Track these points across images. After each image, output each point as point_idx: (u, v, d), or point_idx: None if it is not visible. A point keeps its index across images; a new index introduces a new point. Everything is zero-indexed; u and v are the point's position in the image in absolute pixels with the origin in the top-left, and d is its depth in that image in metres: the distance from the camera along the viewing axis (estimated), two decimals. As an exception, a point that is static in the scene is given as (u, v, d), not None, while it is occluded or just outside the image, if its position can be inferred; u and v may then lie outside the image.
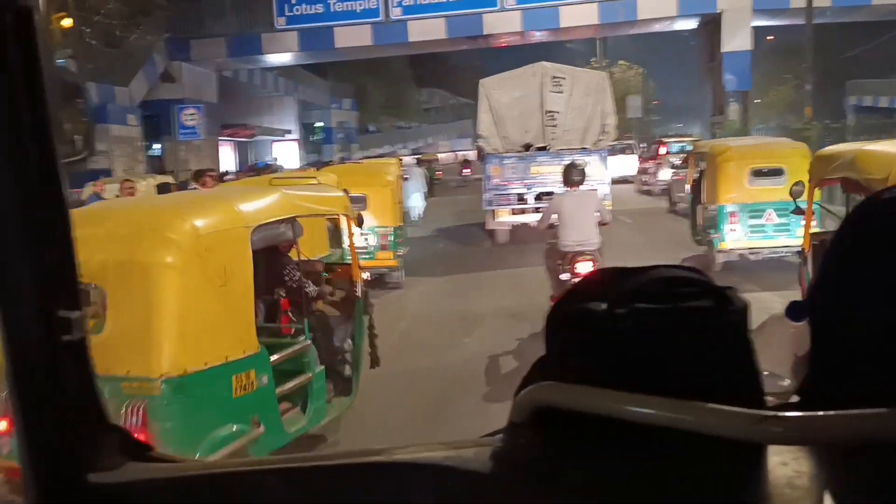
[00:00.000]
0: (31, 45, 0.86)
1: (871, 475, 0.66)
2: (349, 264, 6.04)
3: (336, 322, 5.64)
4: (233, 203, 4.53)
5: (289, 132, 41.36)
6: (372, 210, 9.56)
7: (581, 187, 7.77)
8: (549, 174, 10.90)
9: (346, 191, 8.78)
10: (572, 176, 7.70)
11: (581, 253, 7.18)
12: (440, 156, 56.15)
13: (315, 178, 6.82)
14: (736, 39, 27.75)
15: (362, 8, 29.34)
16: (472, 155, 34.00)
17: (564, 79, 14.74)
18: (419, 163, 35.17)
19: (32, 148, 0.88)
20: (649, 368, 0.71)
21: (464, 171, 35.37)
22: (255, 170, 27.92)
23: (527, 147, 14.59)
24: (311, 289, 5.34)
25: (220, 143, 36.02)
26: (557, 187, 9.08)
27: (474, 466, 0.78)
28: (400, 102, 65.03)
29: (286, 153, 42.35)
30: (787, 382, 0.81)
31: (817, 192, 6.32)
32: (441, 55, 59.57)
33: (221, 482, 0.93)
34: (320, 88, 52.33)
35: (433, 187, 28.96)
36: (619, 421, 0.68)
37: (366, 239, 10.10)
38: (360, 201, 8.90)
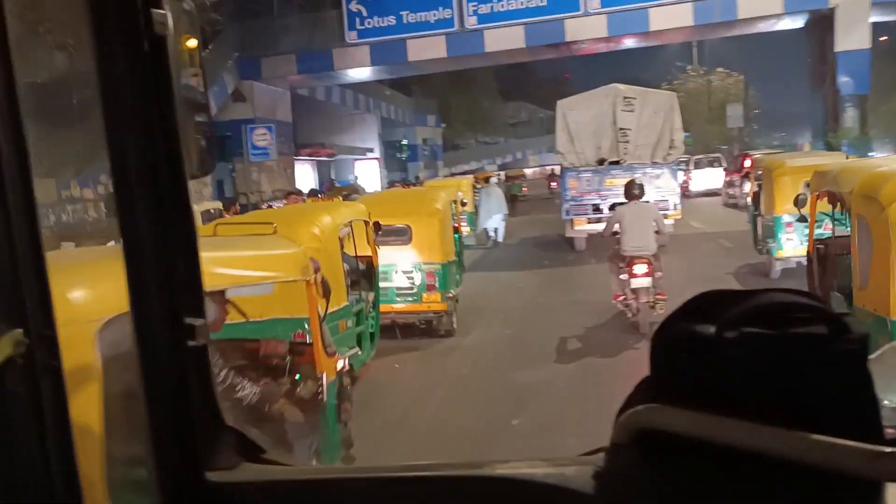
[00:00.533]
0: (164, 68, 0.97)
1: None
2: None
3: (296, 434, 3.86)
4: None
5: (370, 150, 40.44)
6: (416, 244, 8.80)
7: (640, 200, 8.88)
8: (621, 186, 10.72)
9: (378, 223, 7.99)
10: (632, 190, 8.90)
11: (638, 257, 8.32)
12: (527, 171, 54.30)
13: (272, 225, 4.86)
14: (852, 37, 24.77)
15: (436, 19, 27.88)
16: (559, 169, 34.16)
17: (635, 99, 15.68)
18: (506, 179, 33.38)
19: (165, 165, 0.97)
20: (758, 395, 0.70)
21: (551, 184, 33.15)
22: (335, 189, 27.01)
23: (601, 162, 15.61)
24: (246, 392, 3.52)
25: (298, 162, 35.34)
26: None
27: (575, 485, 0.80)
28: (485, 117, 63.55)
29: (367, 172, 41.38)
30: None
31: (825, 202, 6.45)
32: (527, 67, 57.85)
33: (328, 487, 1.00)
34: (404, 105, 51.44)
35: (516, 205, 26.97)
36: (723, 448, 0.68)
37: (410, 278, 8.89)
38: (402, 233, 8.73)
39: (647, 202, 9.78)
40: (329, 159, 38.58)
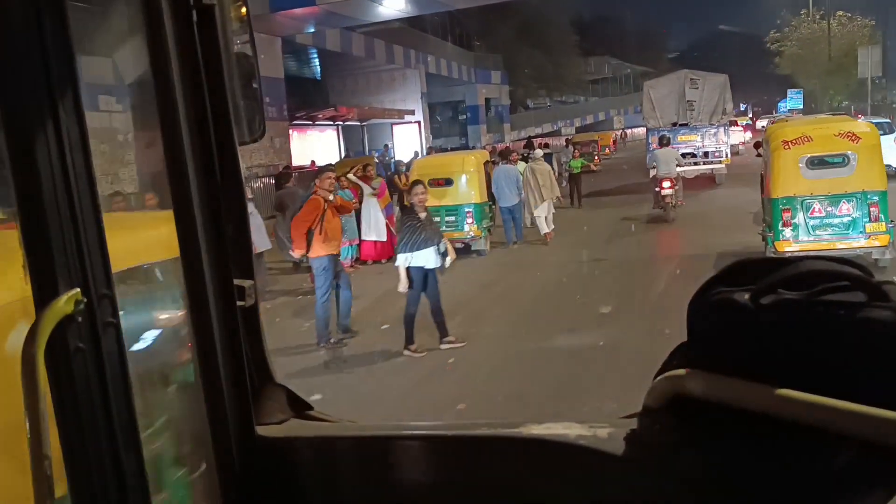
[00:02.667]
0: (212, 35, 1.00)
1: None
2: None
3: None
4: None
5: (411, 113, 33.98)
6: (457, 191, 12.95)
7: (667, 147, 16.48)
8: (689, 140, 20.64)
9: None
10: (662, 141, 16.78)
11: (665, 178, 15.05)
12: (613, 133, 46.34)
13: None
14: None
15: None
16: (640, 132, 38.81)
17: (699, 80, 21.95)
18: (567, 145, 26.03)
19: (215, 131, 1.00)
20: (793, 362, 0.69)
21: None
22: (325, 168, 20.58)
23: (674, 124, 21.71)
24: None
25: (317, 128, 29.29)
26: (694, 148, 20.86)
27: (609, 447, 0.81)
28: (561, 73, 55.89)
29: (408, 137, 34.93)
30: None
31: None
32: (612, 18, 50.30)
33: (371, 442, 1.04)
34: (459, 59, 44.52)
35: (579, 184, 19.22)
36: (757, 414, 0.67)
37: (455, 217, 13.00)
38: (448, 183, 12.78)
39: (673, 148, 17.60)
40: (358, 123, 32.30)
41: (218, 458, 1.05)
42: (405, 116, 33.91)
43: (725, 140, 21.29)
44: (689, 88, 21.66)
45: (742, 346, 0.73)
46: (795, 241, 8.67)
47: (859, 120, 13.62)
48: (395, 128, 34.83)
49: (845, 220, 8.49)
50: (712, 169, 21.09)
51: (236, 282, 1.03)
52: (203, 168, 1.00)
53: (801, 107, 66.36)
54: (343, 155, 29.39)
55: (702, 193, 18.98)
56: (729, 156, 21.32)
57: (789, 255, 8.28)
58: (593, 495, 0.84)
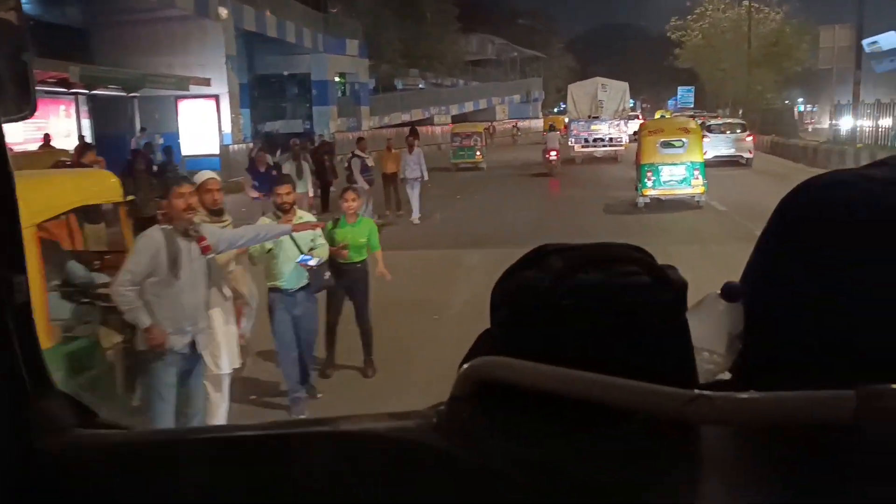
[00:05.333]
0: None
1: (794, 456, 0.69)
2: None
3: None
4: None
5: (206, 82, 23.86)
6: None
7: (554, 132, 26.55)
8: (598, 130, 28.97)
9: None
10: (553, 125, 31.23)
11: (551, 150, 24.21)
12: (491, 126, 38.24)
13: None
14: None
15: None
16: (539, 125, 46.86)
17: (607, 85, 30.44)
18: (452, 138, 20.64)
19: None
20: (588, 345, 0.73)
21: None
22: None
23: (589, 116, 29.56)
24: None
25: (47, 101, 18.95)
26: (603, 135, 29.26)
27: (415, 438, 0.82)
28: (436, 50, 46.99)
29: (202, 118, 24.81)
30: (720, 361, 0.81)
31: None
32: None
33: (166, 448, 0.97)
34: (305, 21, 34.70)
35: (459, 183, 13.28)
36: (560, 397, 0.71)
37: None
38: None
39: (556, 131, 27.12)
40: (121, 94, 21.97)
41: None
42: (191, 87, 23.67)
43: (625, 130, 29.99)
44: (601, 91, 29.97)
45: (542, 332, 0.75)
46: (653, 189, 15.52)
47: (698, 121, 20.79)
48: (182, 104, 24.52)
49: (680, 178, 15.44)
50: (615, 150, 29.00)
51: (4, 275, 0.94)
52: None
53: (692, 104, 61.36)
54: (90, 139, 19.18)
55: (605, 167, 26.50)
56: (626, 141, 28.84)
57: (643, 201, 15.79)
58: (406, 488, 0.83)
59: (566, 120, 34.48)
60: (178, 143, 23.53)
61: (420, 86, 49.98)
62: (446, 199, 17.78)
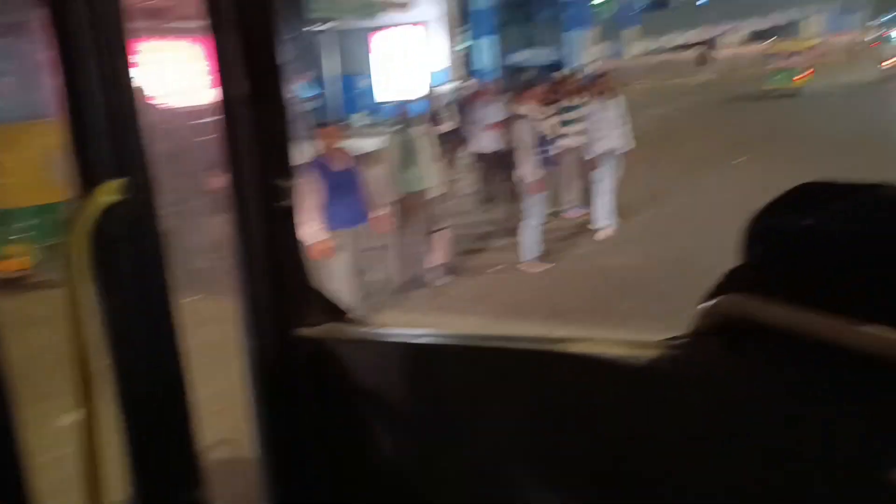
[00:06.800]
0: None
1: None
2: None
3: None
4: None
5: (401, 4, 19.80)
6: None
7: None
8: None
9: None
10: None
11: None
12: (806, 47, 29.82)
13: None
14: None
15: None
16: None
17: None
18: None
19: (258, 28, 0.99)
20: (861, 294, 0.67)
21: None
22: None
23: None
24: None
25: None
26: None
27: (654, 367, 0.80)
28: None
29: (409, 53, 20.93)
30: None
31: None
32: None
33: (406, 348, 1.03)
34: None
35: None
36: (813, 343, 0.67)
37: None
38: None
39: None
40: (314, 28, 18.87)
41: (254, 354, 1.06)
42: (386, 12, 19.75)
43: None
44: None
45: (806, 275, 0.70)
46: None
47: None
48: (375, 37, 20.84)
49: None
50: None
51: (275, 182, 1.02)
52: (244, 65, 0.99)
53: None
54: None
55: None
56: None
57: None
58: (637, 415, 0.83)
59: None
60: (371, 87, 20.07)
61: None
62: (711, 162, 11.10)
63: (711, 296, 0.77)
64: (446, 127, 10.80)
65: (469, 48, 30.24)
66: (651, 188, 9.39)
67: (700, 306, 0.78)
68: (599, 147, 7.85)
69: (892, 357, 0.63)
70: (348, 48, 20.52)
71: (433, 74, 21.04)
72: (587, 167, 8.14)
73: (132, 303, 0.93)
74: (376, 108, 19.88)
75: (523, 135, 6.71)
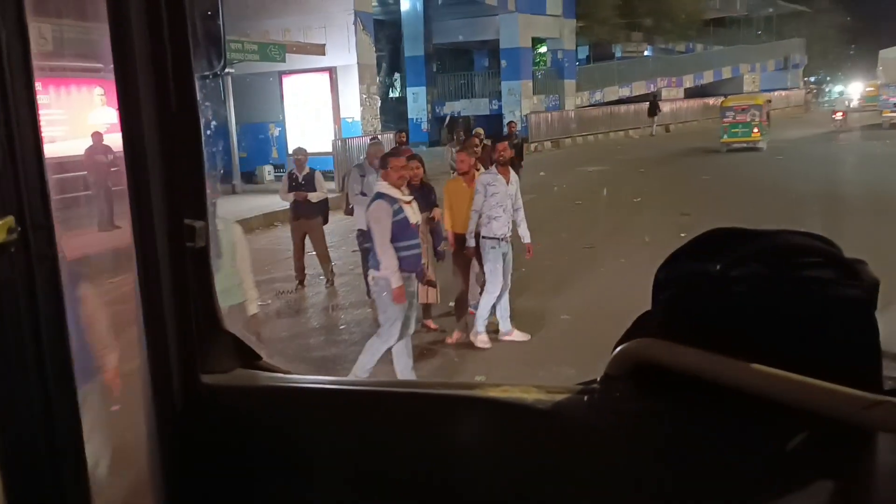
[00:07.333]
0: None
1: None
2: None
3: None
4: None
5: (318, 48, 17.10)
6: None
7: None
8: None
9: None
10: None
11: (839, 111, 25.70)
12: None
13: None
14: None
15: None
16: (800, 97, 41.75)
17: None
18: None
19: (172, 63, 0.95)
20: (761, 336, 0.69)
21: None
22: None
23: None
24: None
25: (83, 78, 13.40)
26: None
27: (567, 413, 0.82)
28: (666, 7, 37.25)
29: (318, 98, 18.24)
30: None
31: None
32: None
33: (320, 395, 1.01)
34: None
35: None
36: (720, 387, 0.68)
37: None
38: None
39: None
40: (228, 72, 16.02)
41: (158, 403, 1.02)
42: (295, 57, 17.07)
43: None
44: None
45: (710, 318, 0.72)
46: None
47: None
48: (288, 79, 18.11)
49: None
50: None
51: (187, 222, 0.99)
52: (156, 101, 0.95)
53: None
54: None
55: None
56: None
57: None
58: (551, 460, 0.84)
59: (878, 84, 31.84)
60: (284, 136, 17.30)
61: (645, 53, 40.64)
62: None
63: (623, 340, 0.78)
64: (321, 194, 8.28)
65: (390, 98, 27.98)
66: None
67: (613, 351, 0.78)
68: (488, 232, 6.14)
69: (794, 401, 0.63)
70: (257, 93, 17.76)
71: (350, 125, 18.47)
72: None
73: (20, 355, 0.87)
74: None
75: (380, 218, 4.93)
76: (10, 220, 0.83)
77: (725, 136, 22.64)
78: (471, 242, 6.08)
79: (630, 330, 0.78)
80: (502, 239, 6.09)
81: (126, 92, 0.94)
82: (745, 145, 22.10)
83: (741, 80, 44.92)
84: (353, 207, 7.27)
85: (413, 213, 5.07)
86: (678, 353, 0.71)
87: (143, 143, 0.95)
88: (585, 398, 0.81)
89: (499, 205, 6.05)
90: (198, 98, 0.97)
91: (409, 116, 29.09)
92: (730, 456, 0.70)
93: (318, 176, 8.48)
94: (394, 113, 28.70)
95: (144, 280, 0.98)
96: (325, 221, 8.46)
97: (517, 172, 10.59)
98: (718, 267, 0.71)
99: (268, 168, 17.93)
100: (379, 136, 13.10)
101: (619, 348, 0.78)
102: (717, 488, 0.71)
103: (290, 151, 16.85)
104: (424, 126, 28.98)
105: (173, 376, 0.99)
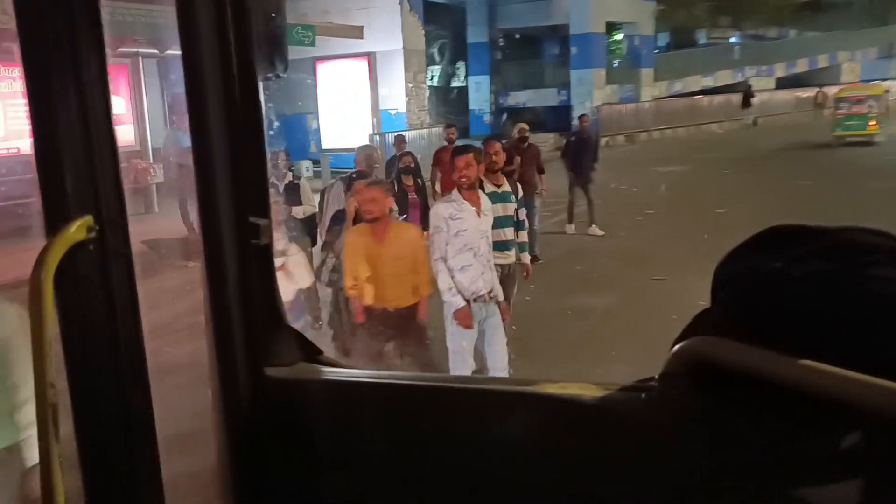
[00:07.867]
0: None
1: None
2: None
3: None
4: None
5: (356, 33, 15.14)
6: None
7: None
8: None
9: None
10: None
11: None
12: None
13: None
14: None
15: None
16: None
17: None
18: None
19: (237, 64, 0.97)
20: (821, 335, 0.69)
21: None
22: None
23: None
24: None
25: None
26: None
27: (625, 410, 0.82)
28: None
29: (358, 89, 16.30)
30: None
31: None
32: None
33: (380, 389, 1.02)
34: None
35: None
36: (780, 386, 0.68)
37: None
38: None
39: None
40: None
41: (225, 396, 1.05)
42: (332, 37, 15.10)
43: None
44: None
45: (769, 316, 0.72)
46: None
47: None
48: (322, 66, 16.18)
49: None
50: None
51: (251, 220, 1.01)
52: (222, 102, 0.97)
53: None
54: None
55: None
56: None
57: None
58: (607, 457, 0.85)
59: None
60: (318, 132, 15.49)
61: (732, 40, 37.39)
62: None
63: (681, 338, 0.78)
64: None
65: (453, 87, 25.99)
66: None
67: (671, 349, 0.78)
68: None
69: (854, 400, 0.63)
70: (293, 82, 15.99)
71: (394, 117, 16.52)
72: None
73: (97, 349, 0.91)
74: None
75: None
76: (90, 219, 0.86)
77: (839, 129, 21.33)
78: (457, 301, 4.05)
79: (688, 328, 0.78)
80: (477, 300, 4.13)
81: (192, 93, 0.95)
82: (860, 139, 20.67)
83: (838, 69, 41.05)
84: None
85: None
86: (736, 352, 0.70)
87: (211, 141, 0.96)
88: (643, 396, 0.81)
89: (468, 247, 4.10)
90: (260, 98, 0.97)
91: (471, 108, 27.02)
92: (788, 456, 0.70)
93: (305, 185, 6.71)
94: (456, 105, 26.69)
95: (211, 275, 1.00)
96: (314, 243, 6.73)
97: (537, 183, 8.28)
98: (779, 264, 0.70)
99: (305, 164, 16.18)
100: (426, 131, 11.20)
101: (677, 346, 0.77)
102: (775, 488, 0.70)
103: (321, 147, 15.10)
104: (487, 118, 26.87)
105: (239, 369, 1.01)
